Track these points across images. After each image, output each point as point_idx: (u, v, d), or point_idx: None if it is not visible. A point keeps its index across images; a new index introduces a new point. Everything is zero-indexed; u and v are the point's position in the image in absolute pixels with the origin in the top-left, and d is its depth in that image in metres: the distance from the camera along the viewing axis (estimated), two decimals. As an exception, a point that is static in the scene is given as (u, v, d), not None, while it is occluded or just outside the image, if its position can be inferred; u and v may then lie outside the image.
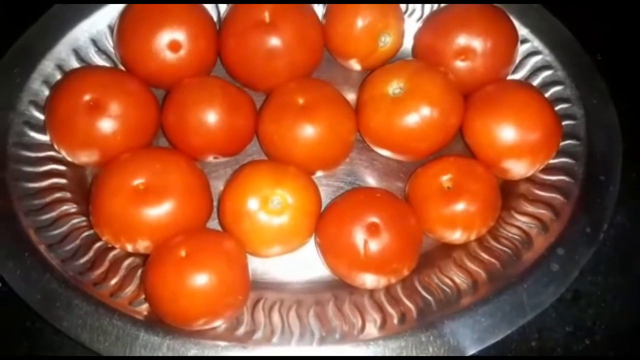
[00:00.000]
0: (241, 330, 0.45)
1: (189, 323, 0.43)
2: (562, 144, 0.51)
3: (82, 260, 0.47)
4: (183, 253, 0.42)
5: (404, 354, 0.44)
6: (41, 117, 0.50)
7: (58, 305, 0.44)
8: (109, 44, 0.54)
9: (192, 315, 0.42)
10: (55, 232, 0.47)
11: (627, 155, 0.52)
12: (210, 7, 0.54)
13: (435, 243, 0.51)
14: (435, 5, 0.57)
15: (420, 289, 0.48)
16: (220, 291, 0.42)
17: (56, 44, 0.53)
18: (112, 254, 0.48)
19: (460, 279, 0.48)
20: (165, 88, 0.51)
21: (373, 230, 0.45)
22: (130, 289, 0.46)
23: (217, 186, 0.51)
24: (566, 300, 0.52)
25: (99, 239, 0.48)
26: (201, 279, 0.41)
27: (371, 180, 0.54)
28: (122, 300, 0.45)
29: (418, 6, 0.57)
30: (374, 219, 0.45)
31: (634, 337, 0.51)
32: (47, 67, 0.52)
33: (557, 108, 0.52)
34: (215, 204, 0.50)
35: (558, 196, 0.50)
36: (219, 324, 0.44)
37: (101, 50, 0.54)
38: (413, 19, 0.57)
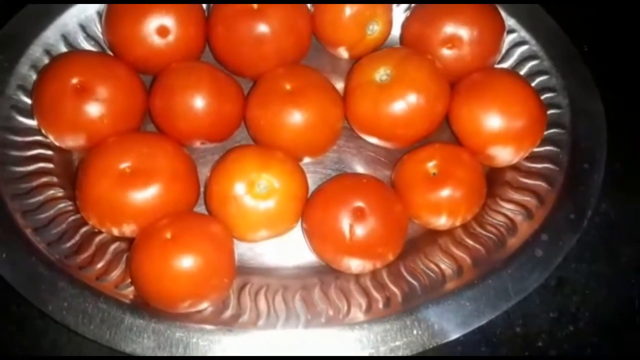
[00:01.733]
0: (227, 314, 0.45)
1: (174, 305, 0.43)
2: (547, 132, 0.52)
3: (68, 244, 0.47)
4: (168, 235, 0.42)
5: (389, 337, 0.44)
6: (29, 101, 0.50)
7: (43, 289, 0.44)
8: (97, 30, 0.54)
9: (177, 297, 0.42)
10: (42, 216, 0.47)
11: (612, 146, 0.52)
12: (199, -5, 0.55)
13: (421, 229, 0.51)
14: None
15: (405, 274, 0.48)
16: (206, 273, 0.42)
17: (45, 29, 0.53)
18: (98, 238, 0.48)
19: (445, 265, 0.48)
20: (153, 73, 0.51)
21: (359, 214, 0.45)
22: (116, 273, 0.46)
23: (205, 172, 0.51)
24: (551, 287, 0.52)
25: (85, 224, 0.48)
26: (186, 261, 0.41)
27: (359, 168, 0.54)
28: (108, 284, 0.45)
29: (406, -3, 0.58)
30: (360, 204, 0.45)
31: (617, 323, 0.52)
32: (36, 52, 0.52)
33: (542, 97, 0.53)
34: (202, 189, 0.50)
35: (543, 184, 0.51)
36: (205, 306, 0.45)
37: (90, 36, 0.54)
38: (401, 7, 0.57)
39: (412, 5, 0.57)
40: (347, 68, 0.55)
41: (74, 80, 0.46)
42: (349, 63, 0.56)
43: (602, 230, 0.55)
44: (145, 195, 0.45)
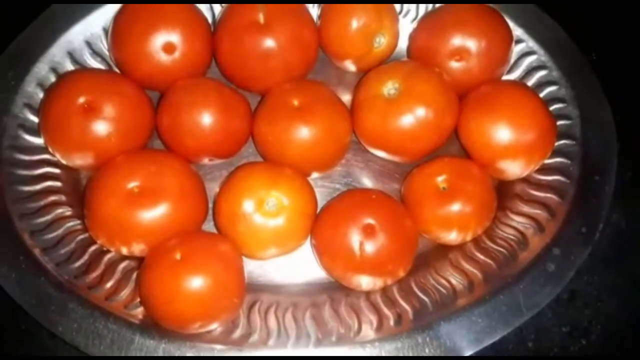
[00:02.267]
0: (237, 333, 0.45)
1: (184, 326, 0.43)
2: (557, 144, 0.51)
3: (77, 264, 0.47)
4: (178, 256, 0.42)
5: (400, 355, 0.44)
6: (35, 120, 0.50)
7: (53, 310, 0.44)
8: (103, 47, 0.54)
9: (187, 318, 0.42)
10: (50, 235, 0.47)
11: (622, 155, 0.52)
12: (204, 8, 0.54)
13: (431, 244, 0.51)
14: (430, 6, 0.57)
15: (416, 290, 0.48)
16: (216, 294, 0.42)
17: (50, 46, 0.52)
18: (107, 257, 0.47)
19: (456, 280, 0.48)
20: (160, 90, 0.51)
21: (369, 231, 0.45)
22: (125, 293, 0.46)
23: (213, 188, 0.51)
24: (562, 300, 0.52)
25: (93, 242, 0.47)
26: (196, 282, 0.41)
27: (367, 182, 0.54)
28: (117, 304, 0.45)
29: (413, 6, 0.57)
30: (370, 220, 0.45)
31: (630, 336, 0.52)
32: (42, 69, 0.52)
33: (552, 108, 0.52)
34: (210, 206, 0.50)
35: (553, 196, 0.50)
36: (215, 327, 0.44)
37: (96, 53, 0.54)
38: (408, 19, 0.57)
39: (419, 17, 0.56)
40: (354, 80, 0.54)
41: (81, 99, 0.46)
42: (355, 75, 0.55)
43: (614, 241, 0.54)
44: (154, 214, 0.44)
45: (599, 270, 0.53)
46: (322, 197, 0.51)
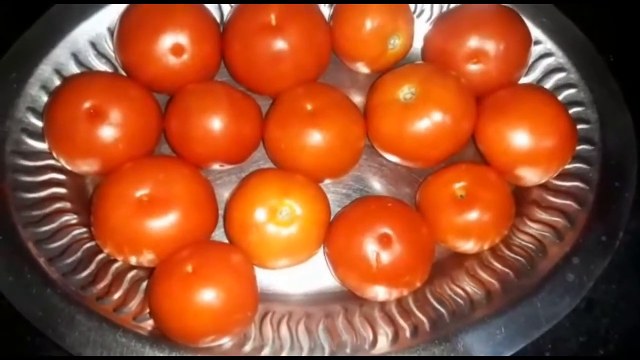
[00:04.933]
0: (249, 346, 0.44)
1: (195, 341, 0.42)
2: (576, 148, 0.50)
3: (84, 274, 0.45)
4: (189, 269, 0.41)
5: (418, 369, 0.43)
6: (39, 124, 0.49)
7: (60, 322, 0.43)
8: (108, 47, 0.52)
9: (199, 332, 0.41)
10: (56, 244, 0.46)
11: (641, 158, 0.50)
12: (213, 9, 0.53)
13: (447, 252, 0.50)
14: (445, 6, 0.55)
15: (432, 300, 0.47)
16: (228, 307, 0.40)
17: (54, 47, 0.51)
18: (114, 266, 0.46)
19: (473, 290, 0.47)
20: (168, 93, 0.49)
21: (385, 241, 0.44)
22: (134, 303, 0.45)
23: (223, 194, 0.50)
24: (580, 309, 0.51)
25: (100, 251, 0.46)
26: (208, 296, 0.40)
27: (379, 187, 0.53)
28: (126, 316, 0.44)
29: (427, 6, 0.55)
30: (386, 230, 0.44)
31: (648, 346, 0.51)
32: (45, 71, 0.50)
33: (570, 111, 0.51)
34: (221, 212, 0.48)
35: (572, 203, 0.49)
36: (227, 340, 0.43)
37: (101, 54, 0.52)
38: (422, 19, 0.55)
39: (434, 17, 0.55)
40: (367, 82, 0.53)
41: (87, 105, 0.45)
42: (368, 77, 0.54)
43: (632, 248, 0.53)
44: (163, 223, 0.43)
45: (616, 279, 0.52)
46: (333, 203, 0.50)
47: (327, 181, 0.51)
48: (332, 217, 0.48)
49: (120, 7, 0.50)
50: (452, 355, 0.43)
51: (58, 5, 0.52)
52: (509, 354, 0.44)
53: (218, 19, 0.53)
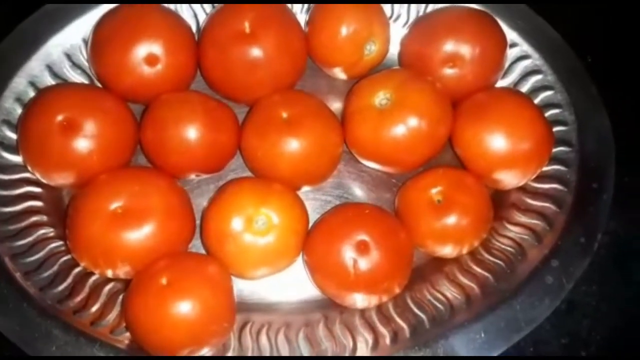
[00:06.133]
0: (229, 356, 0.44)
1: (172, 353, 0.41)
2: (553, 150, 0.50)
3: (61, 288, 0.45)
4: (164, 281, 0.40)
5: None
6: (14, 136, 0.48)
7: (37, 336, 0.42)
8: (83, 58, 0.52)
9: (176, 345, 0.40)
10: (32, 258, 0.45)
11: (619, 160, 0.50)
12: (188, 17, 0.52)
13: (427, 257, 0.50)
14: (422, 10, 0.55)
15: (412, 305, 0.47)
16: (205, 319, 0.40)
17: (28, 59, 0.50)
18: (91, 279, 0.46)
19: (453, 295, 0.47)
20: (143, 103, 0.49)
21: (362, 248, 0.43)
22: (111, 317, 0.44)
23: (200, 203, 0.49)
24: (561, 311, 0.51)
25: (77, 264, 0.46)
26: (184, 308, 0.40)
27: (359, 193, 0.52)
28: (103, 329, 0.44)
29: (404, 11, 0.55)
30: (363, 237, 0.44)
31: (630, 347, 0.51)
32: (20, 84, 0.50)
33: (547, 114, 0.51)
34: (198, 222, 0.48)
35: (551, 205, 0.49)
36: (205, 351, 0.43)
37: (76, 65, 0.52)
38: (399, 24, 0.55)
39: (410, 21, 0.55)
40: (345, 88, 0.53)
41: (60, 117, 0.44)
42: (346, 83, 0.54)
43: (611, 249, 0.53)
44: (139, 235, 0.43)
45: (596, 280, 0.52)
46: (313, 210, 0.50)
47: (307, 188, 0.51)
48: (311, 224, 0.47)
49: (95, 17, 0.50)
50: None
51: (31, 17, 0.51)
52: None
53: (194, 27, 0.53)
